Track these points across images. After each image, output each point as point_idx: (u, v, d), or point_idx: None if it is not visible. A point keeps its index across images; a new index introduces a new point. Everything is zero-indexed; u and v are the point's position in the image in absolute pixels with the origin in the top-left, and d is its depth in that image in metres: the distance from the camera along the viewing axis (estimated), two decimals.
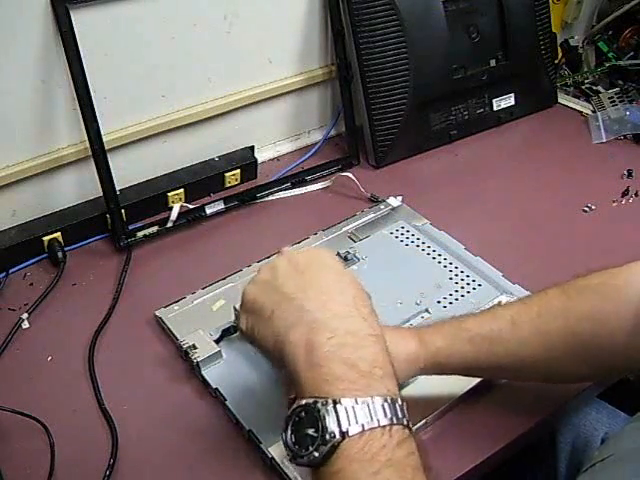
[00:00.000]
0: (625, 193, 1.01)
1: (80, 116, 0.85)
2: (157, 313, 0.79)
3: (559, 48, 1.31)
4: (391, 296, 0.77)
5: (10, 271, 0.86)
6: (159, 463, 0.65)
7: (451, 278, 0.80)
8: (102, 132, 0.87)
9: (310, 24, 1.04)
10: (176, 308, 0.80)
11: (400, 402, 0.44)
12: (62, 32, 0.81)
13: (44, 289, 0.83)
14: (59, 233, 0.89)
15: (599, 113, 1.18)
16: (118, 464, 0.64)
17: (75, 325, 0.79)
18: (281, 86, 1.05)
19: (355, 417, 0.42)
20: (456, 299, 0.77)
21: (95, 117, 0.85)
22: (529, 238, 0.93)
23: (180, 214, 0.94)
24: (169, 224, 0.94)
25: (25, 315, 0.79)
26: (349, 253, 0.82)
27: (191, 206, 0.96)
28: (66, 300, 0.83)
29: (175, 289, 0.82)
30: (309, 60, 1.07)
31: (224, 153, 1.04)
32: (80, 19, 0.82)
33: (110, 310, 0.81)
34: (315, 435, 0.43)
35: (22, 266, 0.88)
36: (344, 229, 0.92)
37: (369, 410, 0.42)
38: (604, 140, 1.14)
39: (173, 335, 0.76)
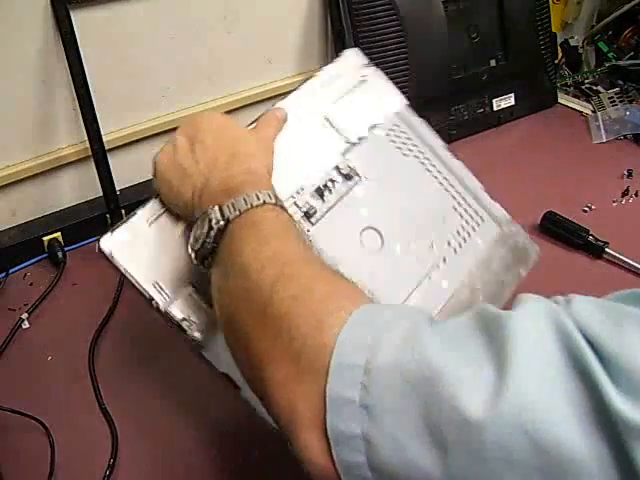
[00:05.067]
0: (625, 193, 1.01)
1: (80, 116, 0.85)
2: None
3: (559, 48, 1.31)
4: (404, 236, 0.69)
5: (10, 271, 0.86)
6: (159, 463, 0.65)
7: (455, 208, 0.74)
8: (102, 132, 0.87)
9: (310, 24, 1.04)
10: None
11: (272, 192, 0.51)
12: (62, 32, 0.81)
13: (44, 289, 0.83)
14: (59, 233, 0.89)
15: (599, 113, 1.18)
16: (118, 464, 0.64)
17: (75, 325, 0.79)
18: (281, 86, 1.05)
19: (234, 208, 0.50)
20: (464, 239, 0.71)
21: (95, 117, 0.85)
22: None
23: None
24: None
25: (25, 315, 0.79)
26: (350, 168, 0.70)
27: None
28: (66, 300, 0.83)
29: None
30: (309, 60, 1.07)
31: None
32: (80, 19, 0.82)
33: (110, 310, 0.81)
34: (205, 231, 0.51)
35: (22, 266, 0.88)
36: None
37: (244, 201, 0.50)
38: (604, 140, 1.14)
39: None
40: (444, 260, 0.70)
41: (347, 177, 0.71)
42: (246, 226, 0.49)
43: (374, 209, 0.70)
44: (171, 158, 0.57)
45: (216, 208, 0.50)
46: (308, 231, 0.65)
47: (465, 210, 0.73)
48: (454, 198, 0.73)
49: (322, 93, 0.71)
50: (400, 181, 0.72)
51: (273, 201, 0.51)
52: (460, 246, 0.71)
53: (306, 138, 0.69)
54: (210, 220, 0.50)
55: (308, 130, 0.69)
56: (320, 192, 0.68)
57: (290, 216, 0.53)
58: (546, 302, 0.37)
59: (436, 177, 0.74)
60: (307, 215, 0.67)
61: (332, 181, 0.70)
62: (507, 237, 0.75)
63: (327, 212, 0.67)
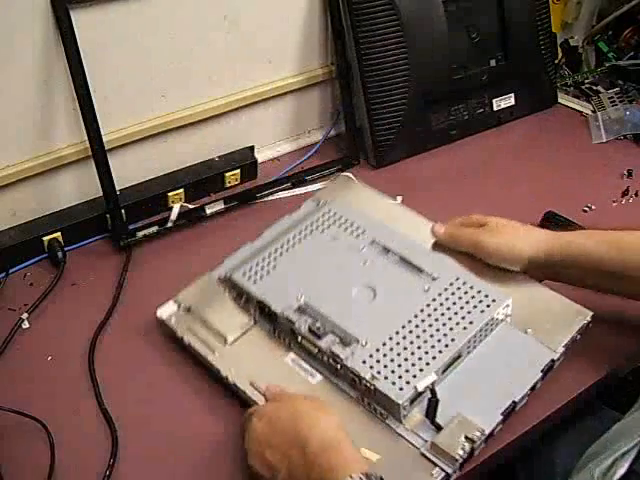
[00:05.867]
0: (625, 193, 1.01)
1: (80, 116, 0.85)
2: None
3: (559, 48, 1.31)
4: (360, 277, 0.75)
5: (10, 271, 0.86)
6: (159, 463, 0.65)
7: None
8: (102, 132, 0.87)
9: (310, 24, 1.04)
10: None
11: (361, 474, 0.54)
12: (62, 32, 0.81)
13: (44, 289, 0.83)
14: (59, 233, 0.89)
15: (599, 113, 1.18)
16: (118, 464, 0.64)
17: (75, 325, 0.79)
18: (281, 86, 1.05)
19: None
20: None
21: (95, 117, 0.85)
22: None
23: (180, 214, 0.94)
24: (169, 224, 0.94)
25: (25, 315, 0.79)
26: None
27: (191, 206, 0.96)
28: (66, 300, 0.83)
29: (175, 289, 0.82)
30: (309, 60, 1.07)
31: (224, 153, 1.04)
32: (80, 19, 0.82)
33: (110, 310, 0.81)
34: None
35: (22, 266, 0.88)
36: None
37: None
38: (604, 140, 1.14)
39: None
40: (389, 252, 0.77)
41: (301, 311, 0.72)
42: None
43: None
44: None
45: None
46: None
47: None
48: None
49: None
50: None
51: None
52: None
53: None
54: None
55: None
56: (301, 310, 0.72)
57: None
58: None
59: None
60: (312, 332, 0.70)
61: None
62: None
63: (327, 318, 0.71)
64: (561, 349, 0.68)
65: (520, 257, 0.73)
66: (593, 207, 0.98)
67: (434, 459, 0.61)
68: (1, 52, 0.79)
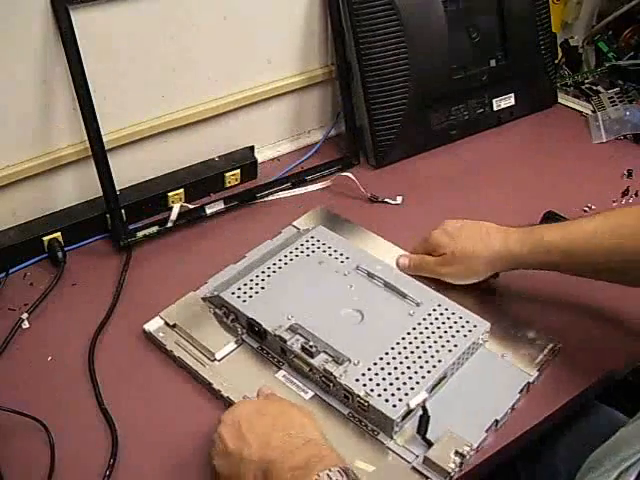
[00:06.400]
0: (625, 193, 1.01)
1: (80, 116, 0.85)
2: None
3: (559, 48, 1.31)
4: (350, 298, 0.77)
5: (10, 271, 0.86)
6: (159, 463, 0.65)
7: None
8: (102, 132, 0.87)
9: (310, 24, 1.04)
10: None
11: (340, 468, 0.54)
12: (62, 32, 0.81)
13: (44, 289, 0.83)
14: (59, 233, 0.89)
15: (599, 113, 1.18)
16: (118, 464, 0.64)
17: (75, 325, 0.79)
18: (281, 86, 1.05)
19: None
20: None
21: (95, 117, 0.85)
22: None
23: (180, 214, 0.94)
24: (169, 224, 0.94)
25: (25, 315, 0.79)
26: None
27: (191, 206, 0.96)
28: (66, 300, 0.83)
29: (175, 289, 0.82)
30: (309, 60, 1.07)
31: (224, 153, 1.04)
32: (80, 19, 0.82)
33: (110, 310, 0.81)
34: None
35: (22, 266, 0.88)
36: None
37: None
38: (604, 140, 1.14)
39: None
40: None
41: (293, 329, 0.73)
42: None
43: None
44: (223, 451, 0.59)
45: None
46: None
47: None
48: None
49: None
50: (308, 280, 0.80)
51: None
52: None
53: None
54: None
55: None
56: (292, 329, 0.72)
57: None
58: None
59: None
60: (305, 350, 0.71)
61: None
62: None
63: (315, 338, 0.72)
64: (535, 372, 0.72)
65: (480, 276, 0.80)
66: (593, 207, 0.98)
67: (427, 473, 0.63)
68: (1, 52, 0.79)
